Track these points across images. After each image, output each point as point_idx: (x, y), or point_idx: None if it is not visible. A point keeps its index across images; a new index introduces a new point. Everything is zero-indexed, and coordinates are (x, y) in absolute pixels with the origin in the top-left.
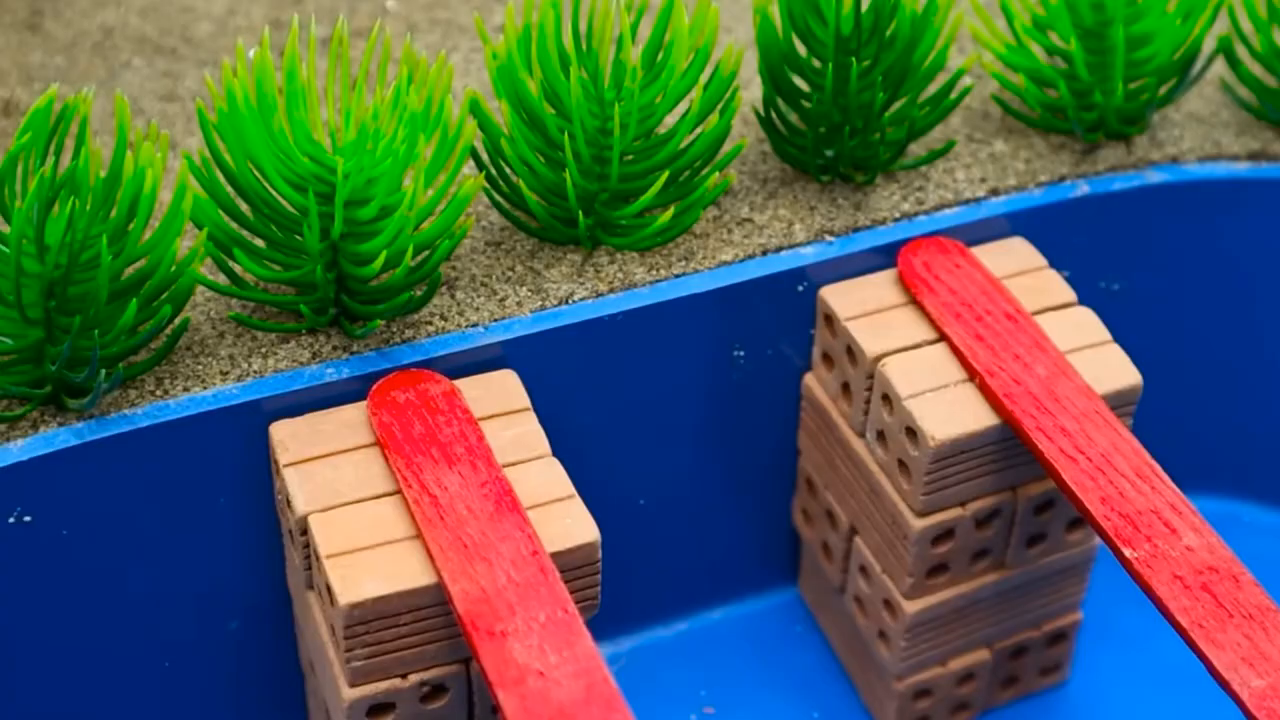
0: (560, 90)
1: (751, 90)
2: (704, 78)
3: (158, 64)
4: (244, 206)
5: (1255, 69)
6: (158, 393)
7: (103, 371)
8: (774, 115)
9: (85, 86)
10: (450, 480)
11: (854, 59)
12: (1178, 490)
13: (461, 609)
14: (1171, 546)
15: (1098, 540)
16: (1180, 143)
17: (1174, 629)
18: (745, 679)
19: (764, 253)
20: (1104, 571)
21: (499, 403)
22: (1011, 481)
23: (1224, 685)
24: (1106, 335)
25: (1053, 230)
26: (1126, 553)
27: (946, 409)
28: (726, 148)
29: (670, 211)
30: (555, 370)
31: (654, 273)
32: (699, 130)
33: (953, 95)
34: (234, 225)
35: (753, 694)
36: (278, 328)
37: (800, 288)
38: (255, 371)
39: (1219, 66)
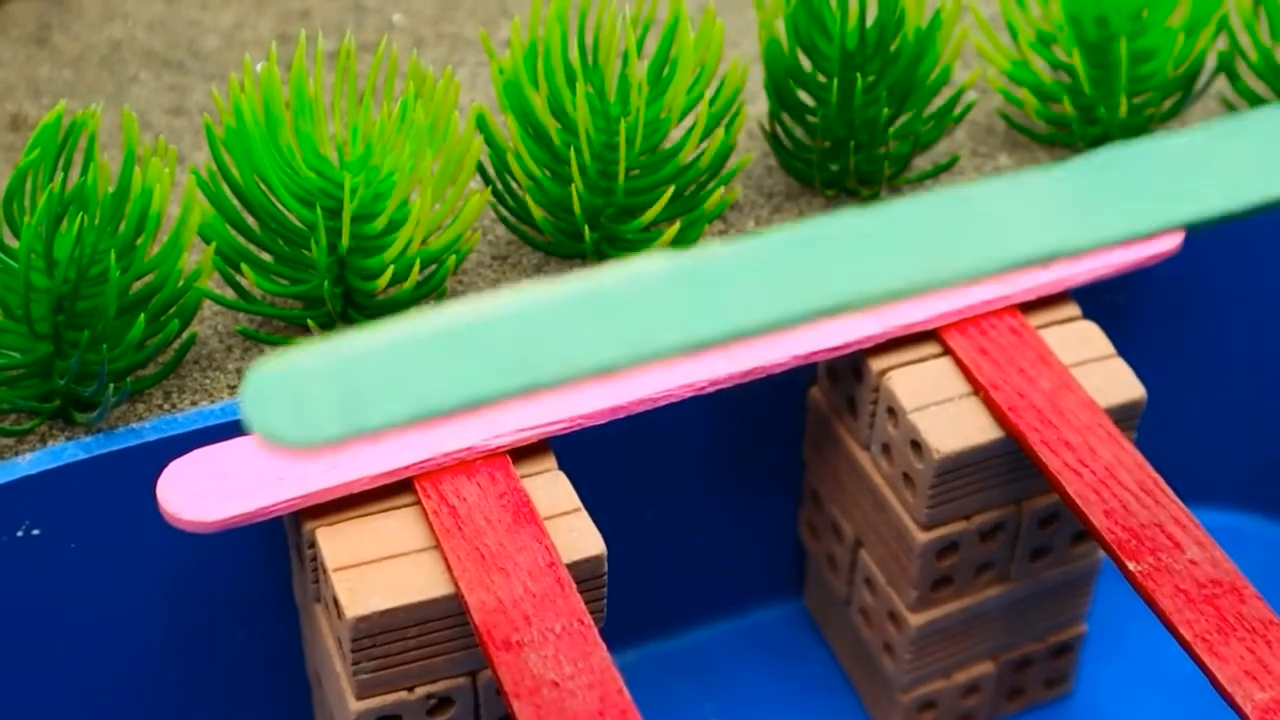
0: (566, 105)
1: (757, 105)
2: (709, 92)
3: (165, 78)
4: (251, 221)
5: (1257, 86)
6: (165, 406)
7: (111, 385)
8: (779, 130)
9: (93, 101)
10: (469, 491)
11: (859, 74)
12: (1181, 504)
13: (478, 619)
14: (1175, 560)
15: (1102, 553)
16: None
17: (1178, 642)
18: (751, 691)
19: None
20: (1108, 585)
21: None
22: (1016, 495)
23: (1227, 699)
24: (1110, 349)
25: None
26: (1130, 566)
27: (951, 422)
28: (732, 162)
29: (676, 226)
30: None
31: None
32: (704, 145)
33: (957, 110)
34: (241, 240)
35: (758, 706)
36: (285, 341)
37: None
38: None
39: (1223, 81)
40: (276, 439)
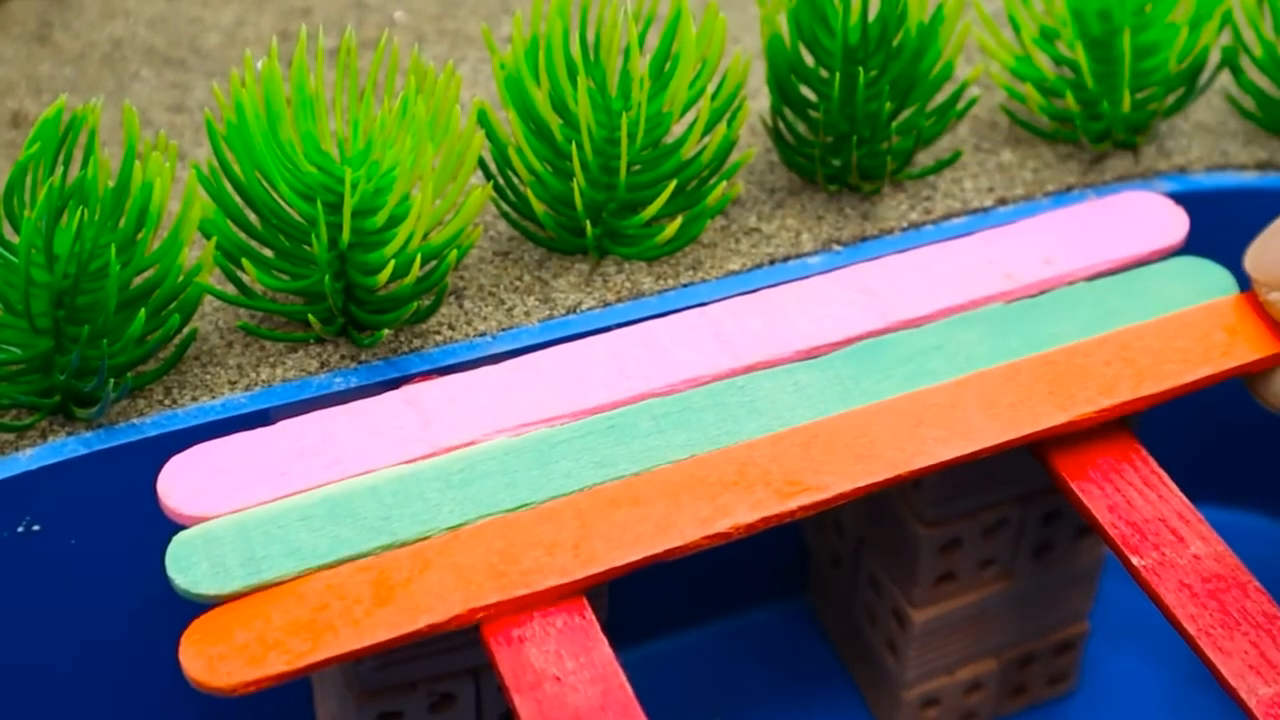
0: (568, 100)
1: (759, 100)
2: (711, 87)
3: (166, 75)
4: (252, 216)
5: (1261, 80)
6: (166, 402)
7: (111, 381)
8: (781, 125)
9: (94, 97)
10: None
11: (861, 69)
12: (1185, 499)
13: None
14: (1179, 555)
15: (1105, 550)
16: (1188, 152)
17: (1182, 637)
18: (753, 689)
19: (771, 262)
20: (1112, 580)
21: None
22: (1019, 490)
23: (1231, 693)
24: None
25: None
26: (1134, 560)
27: None
28: (734, 157)
29: (678, 221)
30: None
31: (661, 282)
32: (706, 140)
33: (960, 105)
34: (242, 235)
35: (761, 704)
36: (286, 337)
37: None
38: (263, 380)
39: (1226, 76)
40: (195, 592)
